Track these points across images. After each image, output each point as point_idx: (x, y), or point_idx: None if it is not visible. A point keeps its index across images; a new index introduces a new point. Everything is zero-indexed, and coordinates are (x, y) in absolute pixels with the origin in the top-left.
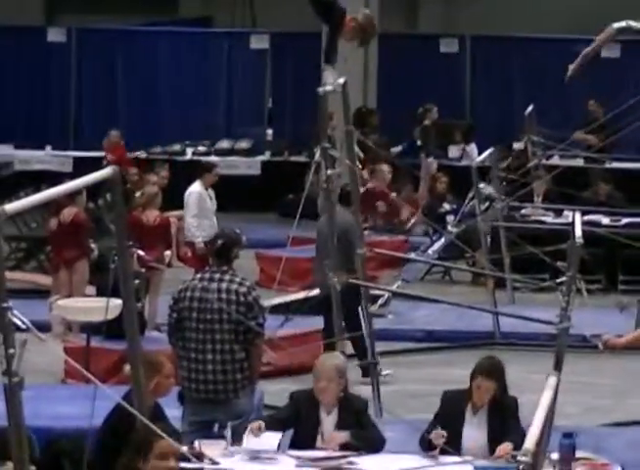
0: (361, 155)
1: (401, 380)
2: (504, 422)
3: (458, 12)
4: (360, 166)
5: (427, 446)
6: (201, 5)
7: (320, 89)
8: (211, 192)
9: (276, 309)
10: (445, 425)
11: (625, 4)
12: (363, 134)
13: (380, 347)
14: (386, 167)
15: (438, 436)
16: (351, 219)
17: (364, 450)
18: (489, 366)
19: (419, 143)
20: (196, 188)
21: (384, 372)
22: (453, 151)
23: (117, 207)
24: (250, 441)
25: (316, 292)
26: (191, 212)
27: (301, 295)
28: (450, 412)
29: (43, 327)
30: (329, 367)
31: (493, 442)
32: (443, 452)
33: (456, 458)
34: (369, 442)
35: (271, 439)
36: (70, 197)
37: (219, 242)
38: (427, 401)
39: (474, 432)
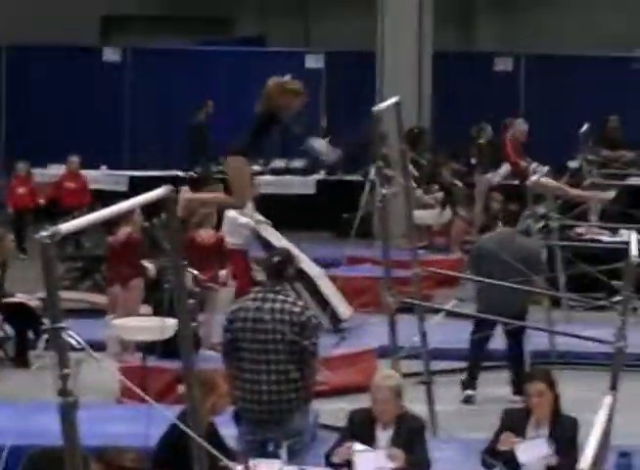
0: (415, 174)
1: (446, 399)
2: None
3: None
4: (415, 185)
5: (491, 456)
6: (255, 25)
7: (374, 108)
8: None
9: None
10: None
11: None
12: (417, 153)
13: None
14: None
15: (507, 439)
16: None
17: None
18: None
19: (473, 161)
20: None
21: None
22: (504, 169)
23: (172, 226)
24: None
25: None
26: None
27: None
28: (511, 428)
29: (99, 347)
30: (385, 389)
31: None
32: None
33: None
34: (420, 465)
35: None
36: (126, 216)
37: (275, 259)
38: (484, 420)
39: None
